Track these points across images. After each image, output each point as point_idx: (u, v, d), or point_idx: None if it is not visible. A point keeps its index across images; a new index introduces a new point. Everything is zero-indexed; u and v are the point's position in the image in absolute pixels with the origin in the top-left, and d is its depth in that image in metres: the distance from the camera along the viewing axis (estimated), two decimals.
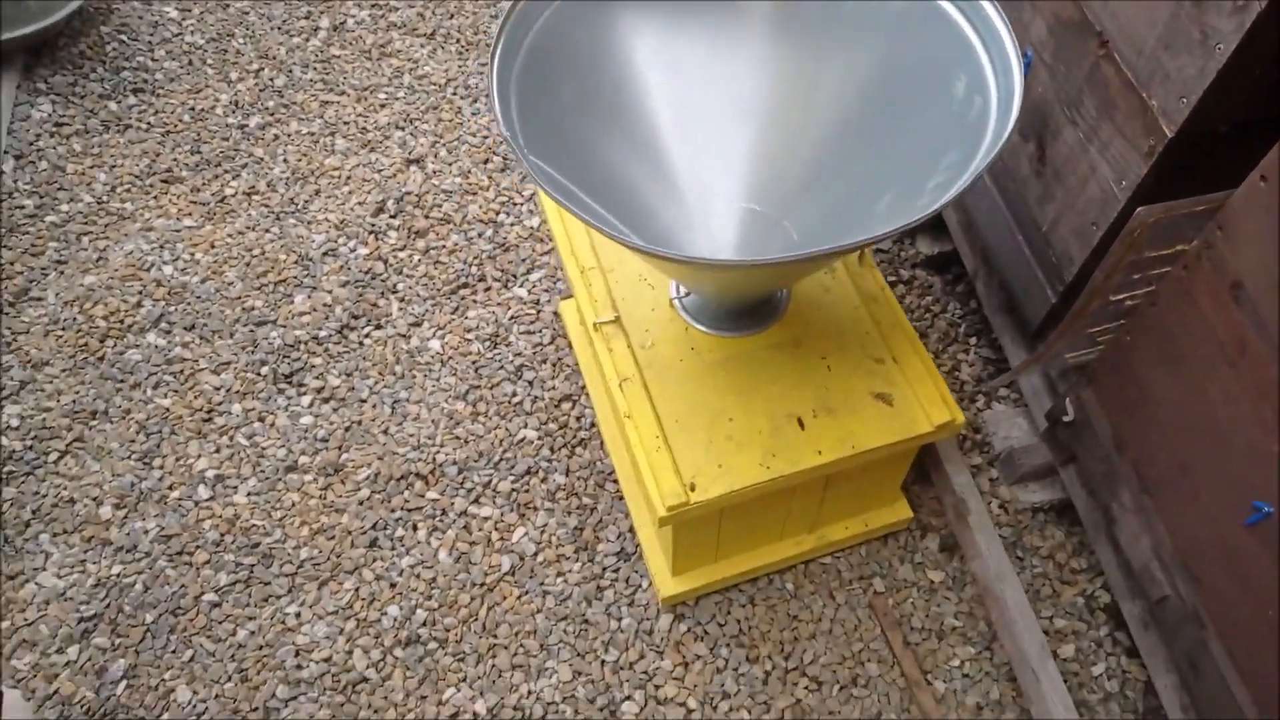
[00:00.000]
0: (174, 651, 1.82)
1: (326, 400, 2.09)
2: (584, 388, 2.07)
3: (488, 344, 2.15)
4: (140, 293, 2.25)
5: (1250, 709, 1.31)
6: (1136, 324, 1.35)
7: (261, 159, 2.48)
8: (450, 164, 2.42)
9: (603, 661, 1.79)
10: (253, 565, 1.90)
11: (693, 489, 1.45)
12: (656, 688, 1.76)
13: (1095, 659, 1.74)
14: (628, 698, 1.76)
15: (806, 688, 1.75)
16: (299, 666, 1.80)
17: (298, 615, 1.85)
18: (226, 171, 2.47)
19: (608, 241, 1.68)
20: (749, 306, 1.59)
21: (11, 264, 2.25)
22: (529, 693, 1.77)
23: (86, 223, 2.33)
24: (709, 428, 1.51)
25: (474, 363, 2.12)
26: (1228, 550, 1.28)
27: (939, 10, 1.25)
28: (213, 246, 2.33)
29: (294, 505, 1.96)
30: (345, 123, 2.52)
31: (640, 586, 1.85)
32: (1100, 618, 1.77)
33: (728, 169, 1.51)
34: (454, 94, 2.59)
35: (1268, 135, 1.09)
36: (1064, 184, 1.45)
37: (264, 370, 2.12)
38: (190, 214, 2.39)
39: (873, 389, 1.52)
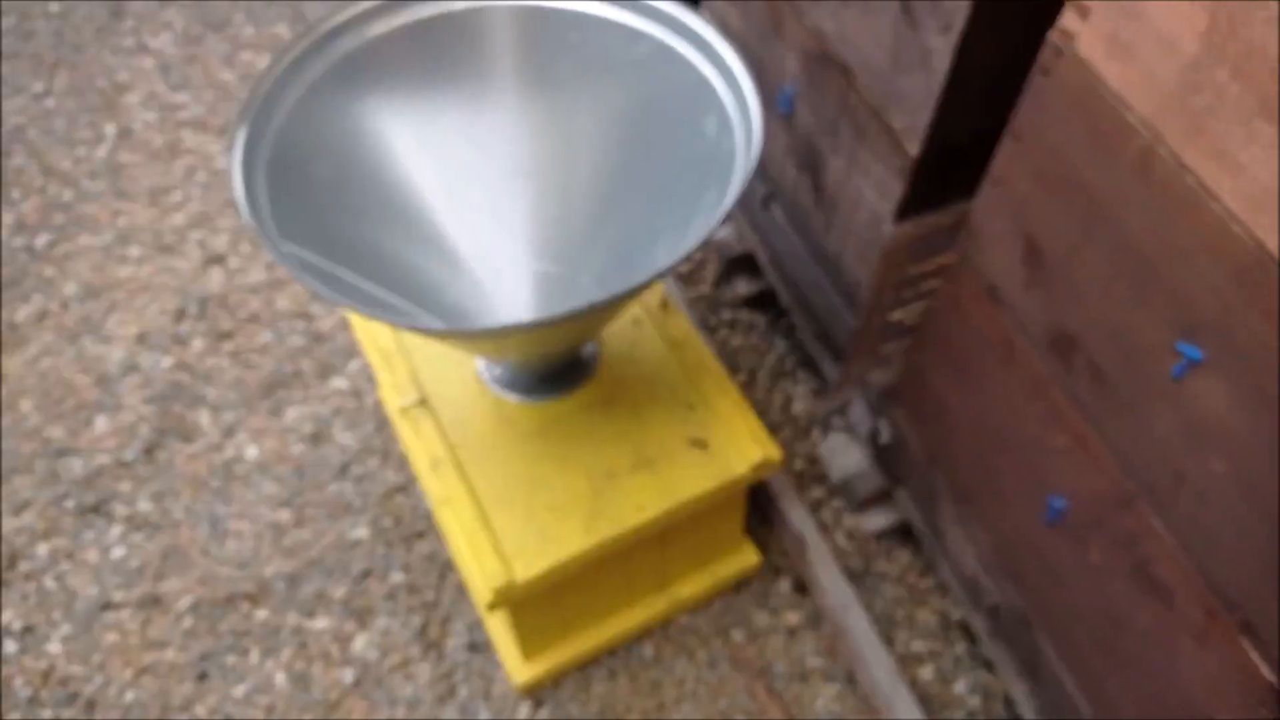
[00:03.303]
0: None
1: (138, 528, 1.93)
2: (416, 473, 1.98)
3: (310, 443, 2.04)
4: None
5: (1085, 706, 1.32)
6: (922, 339, 1.38)
7: (52, 279, 2.32)
8: (253, 258, 2.32)
9: None
10: (73, 719, 1.72)
11: (516, 568, 1.38)
12: None
13: (955, 676, 1.74)
14: None
15: None
16: None
17: None
18: (16, 296, 2.30)
19: None
20: (556, 370, 1.55)
21: None
22: None
23: None
24: (528, 499, 1.45)
25: (296, 466, 2.00)
26: (1036, 549, 1.30)
27: (678, 55, 1.27)
28: (4, 379, 2.15)
29: (113, 645, 1.79)
30: (139, 229, 2.40)
31: (495, 678, 1.75)
32: (956, 634, 1.78)
33: (511, 233, 1.48)
34: None
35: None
36: (839, 211, 1.48)
37: (68, 504, 1.95)
38: None
39: (687, 435, 1.50)
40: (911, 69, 1.20)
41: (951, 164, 1.29)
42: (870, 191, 1.39)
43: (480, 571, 1.38)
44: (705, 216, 1.19)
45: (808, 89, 1.46)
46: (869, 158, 1.36)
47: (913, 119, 1.23)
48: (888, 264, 1.22)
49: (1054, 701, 1.40)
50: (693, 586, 1.75)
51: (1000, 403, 1.25)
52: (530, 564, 1.39)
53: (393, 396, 1.55)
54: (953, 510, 1.50)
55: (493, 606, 1.40)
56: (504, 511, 1.44)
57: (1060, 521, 1.22)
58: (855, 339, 1.39)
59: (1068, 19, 0.97)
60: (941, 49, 1.13)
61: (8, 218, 2.42)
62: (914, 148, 1.25)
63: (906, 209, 1.33)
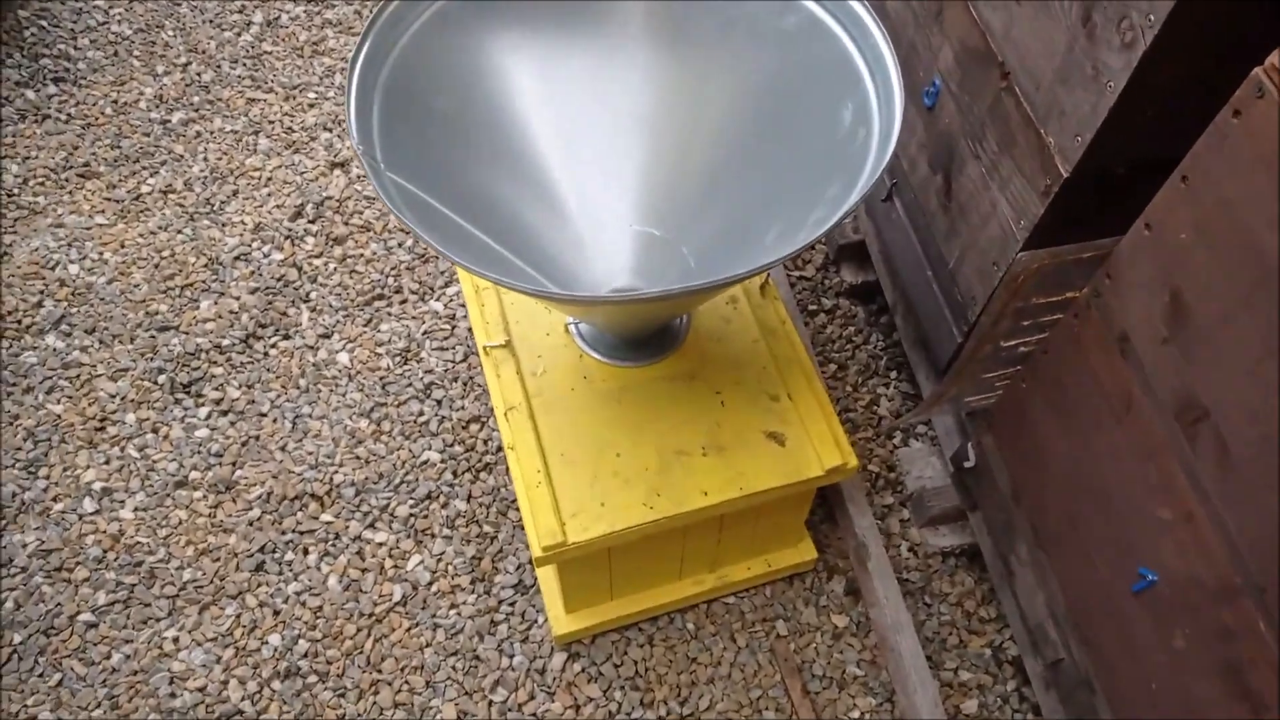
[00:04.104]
0: (41, 675, 1.72)
1: (225, 413, 2.00)
2: (494, 409, 1.98)
3: (398, 359, 2.06)
4: (42, 292, 2.16)
5: None
6: (1031, 371, 1.29)
7: (181, 156, 2.39)
8: None
9: (490, 702, 1.70)
10: (134, 585, 1.81)
11: (570, 528, 1.37)
12: None
13: (1000, 716, 1.67)
14: None
15: None
16: (173, 695, 1.71)
17: (176, 640, 1.76)
18: (145, 168, 2.38)
19: None
20: (645, 336, 1.52)
21: None
22: None
23: None
24: (595, 462, 1.44)
25: (382, 379, 2.03)
26: (1116, 616, 1.21)
27: (829, 31, 1.19)
28: (122, 246, 2.24)
29: (181, 523, 1.88)
30: (271, 122, 2.44)
31: (536, 622, 1.77)
32: (1008, 671, 1.70)
33: (619, 190, 1.43)
34: None
35: (1163, 179, 1.02)
36: (968, 221, 1.39)
37: (161, 379, 2.03)
38: (103, 211, 2.30)
39: (766, 427, 1.45)
40: (1081, 83, 1.09)
41: (1100, 194, 1.18)
42: (1006, 207, 1.29)
43: (535, 525, 1.38)
44: (826, 210, 1.12)
45: (959, 85, 1.36)
46: (1011, 170, 1.26)
47: (1071, 137, 1.13)
48: (1009, 290, 1.13)
49: None
50: (745, 572, 1.72)
51: (1105, 458, 1.16)
52: (585, 527, 1.38)
53: (480, 333, 1.54)
54: (1029, 553, 1.41)
55: (541, 562, 1.39)
56: (568, 469, 1.43)
57: (1148, 595, 1.14)
58: (959, 360, 1.31)
59: None
60: (1119, 67, 1.02)
61: (149, 90, 2.50)
62: (1065, 168, 1.15)
63: (1040, 234, 1.23)
